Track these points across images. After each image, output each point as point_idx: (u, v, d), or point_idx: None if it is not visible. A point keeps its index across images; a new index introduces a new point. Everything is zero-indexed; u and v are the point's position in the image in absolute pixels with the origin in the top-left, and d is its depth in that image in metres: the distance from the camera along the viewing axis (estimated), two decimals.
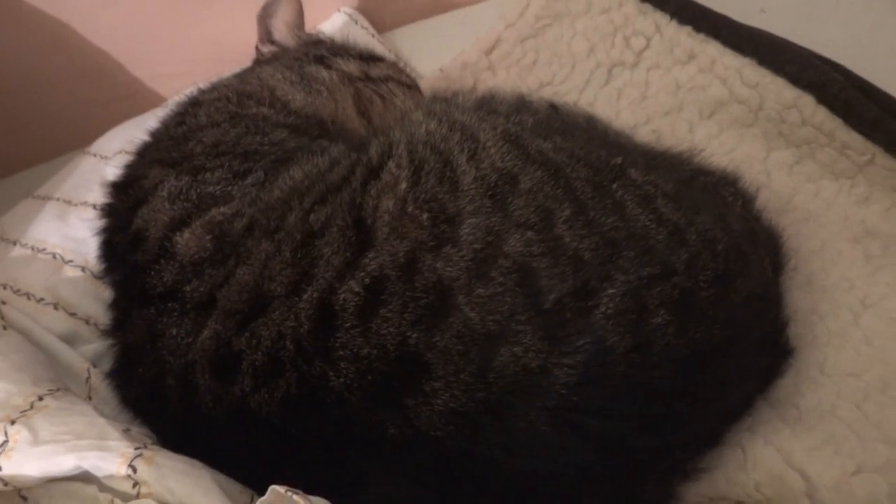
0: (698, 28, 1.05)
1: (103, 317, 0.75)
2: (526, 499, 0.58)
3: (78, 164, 0.95)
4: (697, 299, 0.62)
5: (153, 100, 1.19)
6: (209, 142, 0.76)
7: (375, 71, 0.93)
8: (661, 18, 1.08)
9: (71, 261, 0.82)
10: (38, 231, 0.85)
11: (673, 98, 1.02)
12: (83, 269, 0.81)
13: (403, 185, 0.64)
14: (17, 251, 0.84)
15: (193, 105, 0.84)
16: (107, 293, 0.74)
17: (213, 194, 0.70)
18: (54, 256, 0.82)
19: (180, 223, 0.69)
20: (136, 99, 1.22)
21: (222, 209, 0.68)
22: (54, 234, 0.85)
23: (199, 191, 0.71)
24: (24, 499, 0.54)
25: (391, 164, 0.67)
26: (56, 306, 0.77)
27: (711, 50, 1.02)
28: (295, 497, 0.50)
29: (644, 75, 1.06)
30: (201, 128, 0.78)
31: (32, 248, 0.84)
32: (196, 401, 0.61)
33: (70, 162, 0.97)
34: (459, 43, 1.17)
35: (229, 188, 0.71)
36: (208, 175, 0.72)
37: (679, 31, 1.06)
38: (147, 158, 0.78)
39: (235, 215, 0.68)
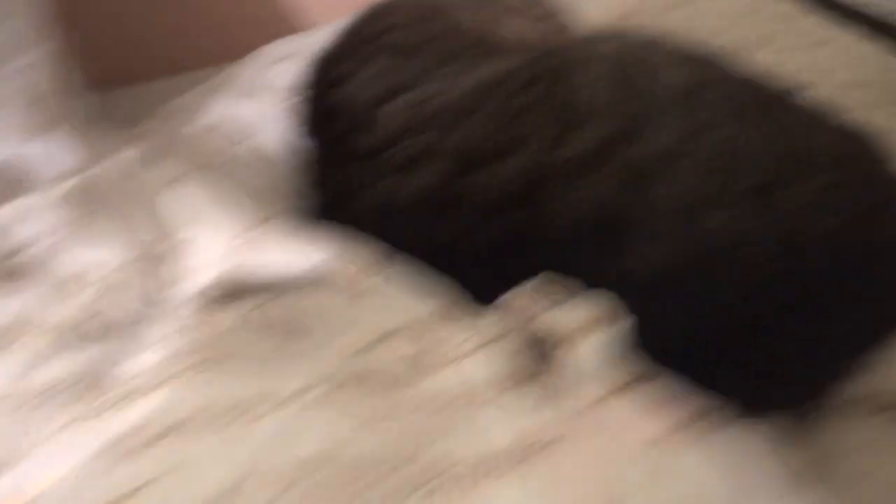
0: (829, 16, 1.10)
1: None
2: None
3: (256, 58, 1.01)
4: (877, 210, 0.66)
5: None
6: (400, 39, 0.82)
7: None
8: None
9: (252, 135, 0.88)
10: (218, 108, 0.91)
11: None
12: (264, 144, 0.87)
13: (602, 82, 0.69)
14: (197, 127, 0.89)
15: None
16: (300, 160, 0.80)
17: (415, 76, 0.76)
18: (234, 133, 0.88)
19: (381, 100, 0.74)
20: None
21: (425, 88, 0.74)
22: (234, 111, 0.90)
23: (400, 75, 0.76)
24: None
25: (588, 64, 0.72)
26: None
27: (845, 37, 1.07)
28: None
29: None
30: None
31: (209, 127, 0.90)
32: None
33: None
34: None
35: (430, 74, 0.76)
36: (409, 62, 0.78)
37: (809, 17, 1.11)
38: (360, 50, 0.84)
39: (436, 94, 0.73)
